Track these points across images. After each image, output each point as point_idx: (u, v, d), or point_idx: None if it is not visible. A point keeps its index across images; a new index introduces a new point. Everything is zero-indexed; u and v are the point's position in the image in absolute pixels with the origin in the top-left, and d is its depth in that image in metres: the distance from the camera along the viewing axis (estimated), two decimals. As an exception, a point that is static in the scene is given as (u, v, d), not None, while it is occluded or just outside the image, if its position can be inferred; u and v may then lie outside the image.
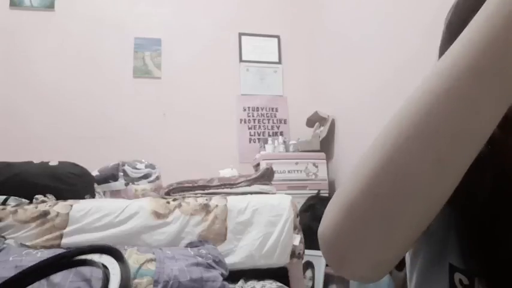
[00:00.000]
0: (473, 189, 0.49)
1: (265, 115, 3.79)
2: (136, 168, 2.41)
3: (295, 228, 1.94)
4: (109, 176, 2.29)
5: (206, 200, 1.93)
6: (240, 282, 1.83)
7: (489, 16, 0.29)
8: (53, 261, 1.32)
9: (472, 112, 0.30)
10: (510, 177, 0.49)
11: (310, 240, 2.11)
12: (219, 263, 1.71)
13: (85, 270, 1.43)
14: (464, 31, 0.31)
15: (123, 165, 2.37)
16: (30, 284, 1.27)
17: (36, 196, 1.83)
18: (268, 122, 3.79)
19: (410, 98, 0.33)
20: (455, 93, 0.30)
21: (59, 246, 1.68)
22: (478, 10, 0.31)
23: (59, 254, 1.39)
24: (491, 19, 0.29)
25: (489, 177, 0.49)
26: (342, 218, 0.35)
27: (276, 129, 3.78)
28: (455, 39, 0.32)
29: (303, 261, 2.12)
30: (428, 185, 0.32)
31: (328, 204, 0.37)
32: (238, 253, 1.84)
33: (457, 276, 0.50)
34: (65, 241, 1.70)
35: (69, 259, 1.33)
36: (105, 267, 1.23)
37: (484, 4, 0.30)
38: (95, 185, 2.17)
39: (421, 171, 0.32)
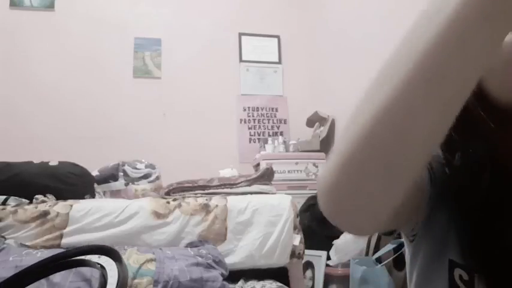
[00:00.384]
0: (473, 184, 0.50)
1: (265, 115, 3.79)
2: (137, 168, 2.41)
3: (295, 228, 1.94)
4: (109, 176, 2.29)
5: (206, 200, 1.93)
6: (240, 282, 1.83)
7: None
8: (50, 262, 1.31)
9: (476, 53, 0.30)
10: (507, 171, 0.49)
11: (310, 240, 2.11)
12: (219, 263, 1.71)
13: (85, 270, 1.44)
14: None
15: (123, 165, 2.36)
16: (27, 285, 1.26)
17: (36, 196, 1.83)
18: (268, 122, 3.79)
19: (409, 42, 0.32)
20: (463, 35, 0.29)
21: (59, 246, 1.68)
22: None
23: (56, 254, 1.39)
24: None
25: (487, 172, 0.49)
26: (339, 168, 0.34)
27: (276, 129, 3.78)
28: None
29: (303, 261, 2.12)
30: (430, 130, 0.32)
31: (329, 155, 0.37)
32: (238, 253, 1.84)
33: (457, 272, 0.50)
34: (65, 241, 1.70)
35: (66, 260, 1.32)
36: (102, 267, 1.22)
37: None
38: (95, 185, 2.17)
39: (425, 116, 0.31)
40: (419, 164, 0.35)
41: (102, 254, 1.28)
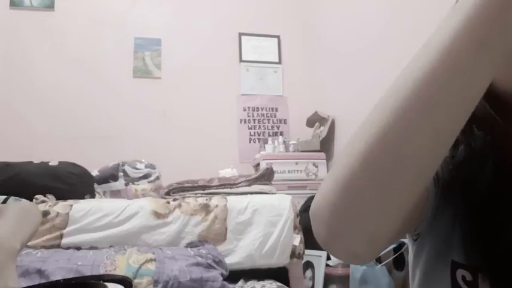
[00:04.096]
0: (476, 176, 0.50)
1: (265, 115, 3.79)
2: (136, 168, 2.41)
3: (295, 228, 1.94)
4: (109, 176, 2.29)
5: (206, 200, 1.93)
6: (240, 282, 1.83)
7: None
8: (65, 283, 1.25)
9: (470, 82, 0.31)
10: (510, 164, 0.49)
11: (310, 240, 2.11)
12: (219, 263, 1.71)
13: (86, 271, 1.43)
14: (456, 8, 0.31)
15: (123, 165, 2.37)
16: None
17: (36, 196, 1.83)
18: (268, 122, 3.79)
19: (407, 70, 0.33)
20: (457, 65, 0.30)
21: (58, 246, 1.68)
22: None
23: (73, 278, 1.30)
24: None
25: (489, 166, 0.49)
26: (337, 193, 0.34)
27: (276, 129, 3.78)
28: None
29: (303, 261, 2.12)
30: (426, 156, 0.33)
31: (323, 181, 0.37)
32: (238, 253, 1.84)
33: (460, 272, 0.50)
34: (65, 241, 1.70)
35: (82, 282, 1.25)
36: None
37: None
38: (95, 185, 2.17)
39: (420, 142, 0.32)
40: (418, 188, 0.35)
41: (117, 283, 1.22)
